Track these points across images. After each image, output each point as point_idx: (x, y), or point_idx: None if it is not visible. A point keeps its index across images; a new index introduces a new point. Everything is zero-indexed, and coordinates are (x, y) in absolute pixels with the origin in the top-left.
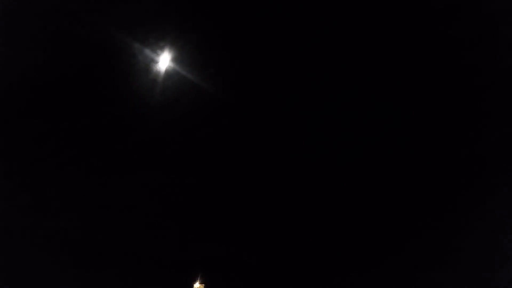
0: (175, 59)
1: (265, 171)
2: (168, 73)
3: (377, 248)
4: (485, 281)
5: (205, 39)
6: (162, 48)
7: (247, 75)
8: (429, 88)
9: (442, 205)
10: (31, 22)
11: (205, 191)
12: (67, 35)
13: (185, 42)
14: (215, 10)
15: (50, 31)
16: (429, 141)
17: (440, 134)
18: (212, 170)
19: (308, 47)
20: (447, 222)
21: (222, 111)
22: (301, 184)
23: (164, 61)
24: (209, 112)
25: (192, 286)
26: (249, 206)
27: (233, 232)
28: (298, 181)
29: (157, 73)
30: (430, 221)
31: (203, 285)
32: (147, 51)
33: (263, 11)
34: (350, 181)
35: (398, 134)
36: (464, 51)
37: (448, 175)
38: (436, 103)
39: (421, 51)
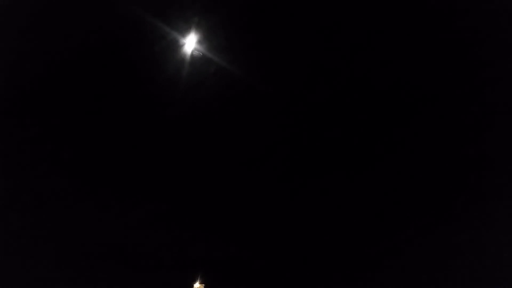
0: (200, 42)
1: (274, 166)
2: (193, 56)
3: (378, 249)
4: (488, 282)
5: (232, 21)
6: (187, 31)
7: (274, 58)
8: (436, 82)
9: (446, 205)
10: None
11: (208, 188)
12: (90, 17)
13: (211, 24)
14: None
15: (72, 14)
16: (433, 139)
17: (445, 131)
18: (220, 164)
19: (342, 31)
20: (451, 222)
21: (248, 95)
22: (304, 183)
23: (190, 43)
24: (234, 95)
25: (192, 286)
26: (250, 205)
27: (233, 232)
28: (302, 179)
29: (183, 55)
30: (434, 221)
31: (203, 285)
32: (173, 33)
33: None
34: (352, 181)
35: (400, 131)
36: (469, 46)
37: (453, 173)
38: (440, 100)
39: (424, 47)
